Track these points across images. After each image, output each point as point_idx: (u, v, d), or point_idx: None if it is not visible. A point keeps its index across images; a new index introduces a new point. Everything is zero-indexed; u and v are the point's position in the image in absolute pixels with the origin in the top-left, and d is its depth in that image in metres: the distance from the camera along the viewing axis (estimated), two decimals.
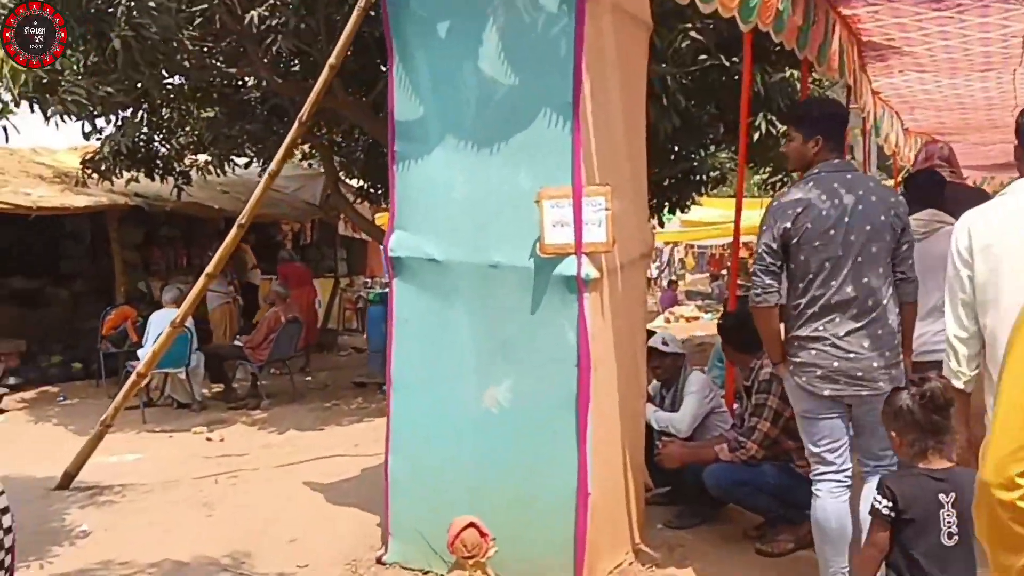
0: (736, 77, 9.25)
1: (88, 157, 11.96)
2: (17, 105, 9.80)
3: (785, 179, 12.18)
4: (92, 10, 8.12)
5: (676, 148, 11.35)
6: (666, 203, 12.58)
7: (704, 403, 6.10)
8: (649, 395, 6.22)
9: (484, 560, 4.64)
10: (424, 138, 5.14)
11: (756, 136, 9.36)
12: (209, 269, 6.90)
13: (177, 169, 12.40)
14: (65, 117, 9.95)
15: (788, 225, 4.29)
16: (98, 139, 11.22)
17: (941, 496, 3.38)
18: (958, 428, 3.64)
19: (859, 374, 4.27)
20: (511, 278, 4.89)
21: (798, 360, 4.37)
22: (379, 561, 5.29)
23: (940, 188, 5.69)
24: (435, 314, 5.15)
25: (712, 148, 12.32)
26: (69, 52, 9.40)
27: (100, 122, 10.87)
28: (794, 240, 4.29)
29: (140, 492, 7.04)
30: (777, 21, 5.26)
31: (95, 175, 11.94)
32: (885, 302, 4.33)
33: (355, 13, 5.72)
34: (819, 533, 4.40)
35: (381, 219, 13.89)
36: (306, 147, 14.75)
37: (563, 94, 4.68)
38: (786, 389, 4.58)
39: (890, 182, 12.59)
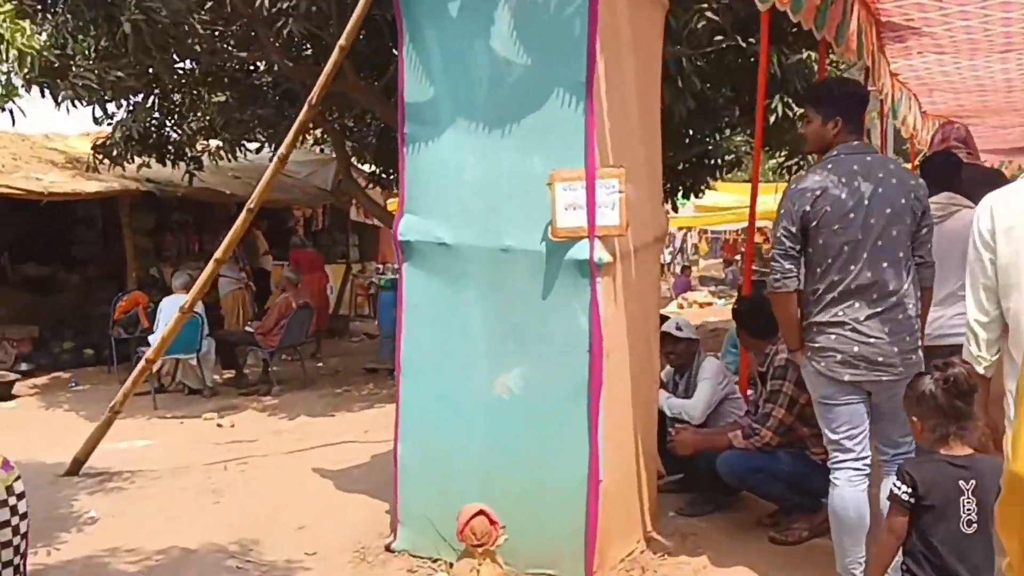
0: (752, 59, 9.16)
1: (99, 142, 11.92)
2: (27, 90, 9.80)
3: (801, 163, 12.08)
4: None
5: (691, 131, 11.24)
6: (680, 187, 12.47)
7: (718, 389, 6.04)
8: (662, 381, 6.15)
9: (494, 548, 4.58)
10: (435, 120, 5.06)
11: (772, 119, 9.24)
12: (218, 254, 6.84)
13: (188, 154, 12.34)
14: (76, 102, 9.94)
15: (807, 208, 4.21)
16: (109, 124, 11.20)
17: (961, 483, 3.35)
18: (977, 413, 3.57)
19: (879, 359, 4.20)
20: (523, 262, 4.81)
21: (817, 345, 4.29)
22: (388, 548, 5.25)
23: (957, 170, 5.60)
24: (445, 299, 5.08)
25: (727, 131, 12.19)
26: (80, 36, 9.38)
27: (111, 107, 10.85)
28: (813, 224, 4.21)
29: (149, 478, 7.00)
30: (795, 0, 5.15)
31: (106, 161, 11.90)
32: (905, 287, 4.26)
33: None
34: (836, 522, 4.32)
35: (393, 204, 13.80)
36: (318, 132, 14.72)
37: (577, 74, 4.59)
38: (803, 375, 4.49)
39: (907, 166, 12.46)
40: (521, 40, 4.74)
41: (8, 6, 5.90)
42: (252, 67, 11.52)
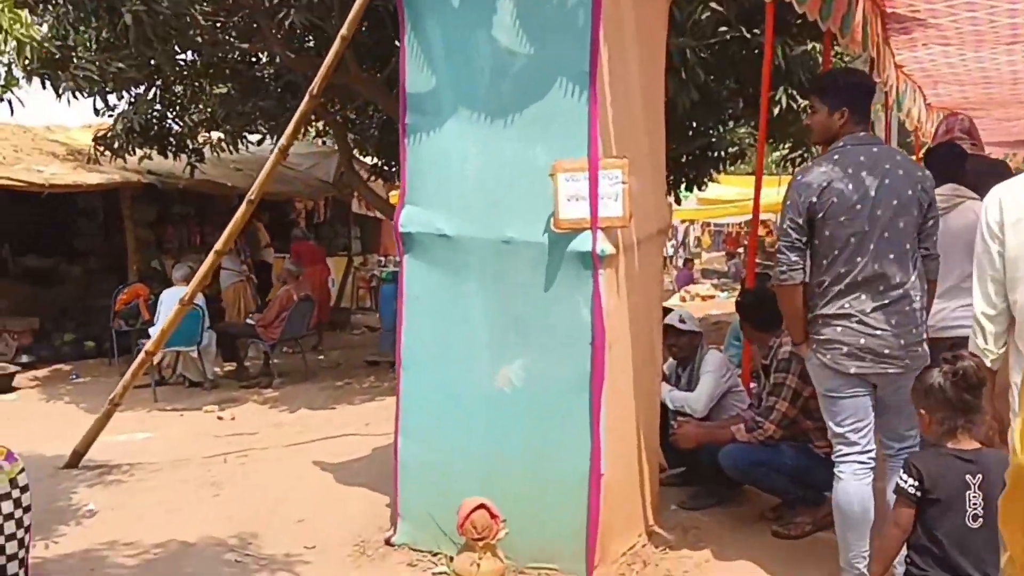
0: (756, 50, 9.11)
1: (100, 134, 11.89)
2: (28, 81, 9.77)
3: (805, 155, 12.02)
4: None
5: (694, 123, 11.18)
6: (683, 180, 12.42)
7: (721, 382, 6.02)
8: (664, 374, 6.12)
9: (494, 542, 4.56)
10: (436, 110, 5.00)
11: (776, 111, 9.19)
12: (218, 246, 6.80)
13: (190, 146, 12.31)
14: (77, 94, 9.91)
15: (814, 199, 4.17)
16: (110, 116, 11.18)
17: (968, 477, 3.33)
18: (985, 406, 3.53)
19: (885, 352, 4.16)
20: (525, 254, 4.76)
21: (823, 338, 4.25)
22: (388, 542, 5.21)
23: (961, 161, 5.56)
24: (446, 291, 5.03)
25: (731, 123, 12.14)
26: (81, 28, 9.35)
27: (112, 99, 10.83)
28: (820, 215, 4.17)
29: (148, 471, 6.96)
30: None
31: (107, 152, 11.86)
32: (912, 279, 4.22)
33: None
34: (841, 516, 4.29)
35: (395, 197, 13.78)
36: (320, 124, 14.67)
37: (580, 64, 4.53)
38: (808, 368, 4.45)
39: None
40: (524, 29, 4.68)
41: None
42: (254, 58, 11.48)
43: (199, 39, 9.80)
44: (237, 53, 10.85)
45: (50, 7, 9.42)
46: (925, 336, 4.32)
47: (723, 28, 8.65)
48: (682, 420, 5.86)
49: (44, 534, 5.40)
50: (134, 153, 11.93)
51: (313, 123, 14.37)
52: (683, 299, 19.73)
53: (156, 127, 11.69)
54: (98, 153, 12.09)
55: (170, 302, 9.44)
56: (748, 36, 8.86)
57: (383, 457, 6.19)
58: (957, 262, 4.84)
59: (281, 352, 12.29)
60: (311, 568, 5.04)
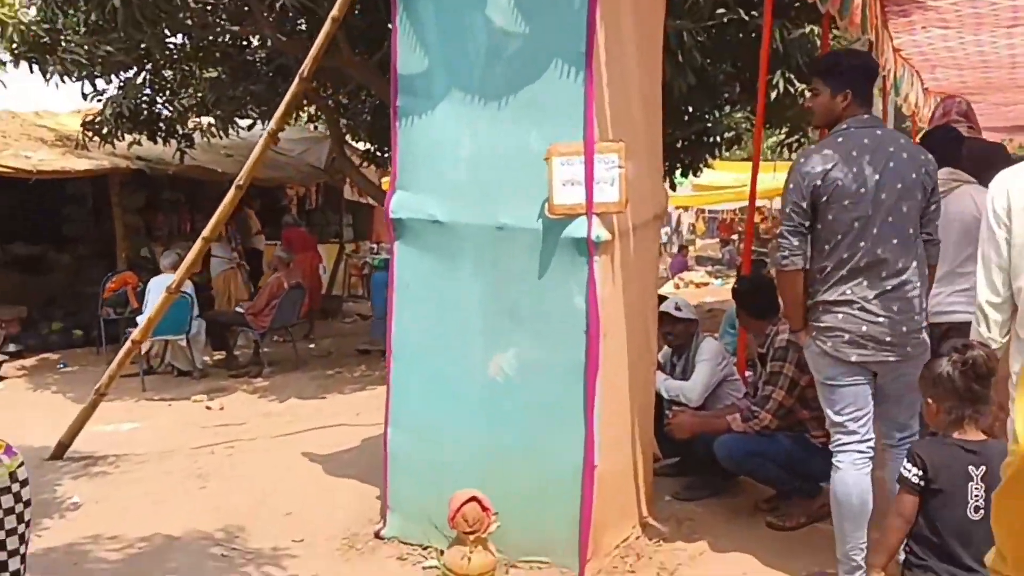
0: (754, 33, 9.02)
1: (89, 120, 11.76)
2: (16, 65, 9.66)
3: (802, 140, 11.93)
4: None
5: (690, 108, 11.08)
6: (678, 165, 12.32)
7: (717, 371, 5.95)
8: (659, 363, 6.03)
9: (486, 536, 4.49)
10: (428, 92, 4.89)
11: (773, 95, 9.09)
12: (206, 233, 6.69)
13: (180, 132, 12.19)
14: (65, 77, 9.80)
15: (818, 183, 4.07)
16: (99, 101, 11.05)
17: (971, 468, 3.31)
18: (993, 397, 3.50)
19: (887, 339, 4.09)
20: (518, 240, 4.66)
21: (823, 324, 4.17)
22: (377, 536, 5.13)
23: (957, 145, 5.48)
24: (438, 278, 4.93)
25: (727, 108, 12.04)
26: (69, 11, 9.23)
27: (101, 83, 10.70)
28: (823, 199, 4.08)
29: (134, 463, 6.86)
30: None
31: (96, 138, 11.74)
32: (914, 264, 4.15)
33: None
34: (838, 507, 4.21)
35: (388, 183, 13.70)
36: (311, 109, 14.56)
37: (576, 45, 4.42)
38: (807, 356, 4.36)
39: None
40: (519, 9, 4.57)
41: None
42: (245, 42, 11.36)
43: (189, 22, 9.69)
44: (228, 36, 10.72)
45: None
46: (926, 323, 4.25)
47: (721, 10, 8.55)
48: (677, 409, 5.77)
49: None
50: (123, 139, 11.81)
51: (305, 108, 14.27)
52: (677, 286, 19.70)
53: (145, 112, 11.55)
54: (86, 139, 11.97)
55: (158, 290, 9.34)
56: (746, 18, 8.75)
57: (373, 448, 6.10)
58: (953, 247, 4.82)
59: (271, 341, 12.21)
60: (299, 562, 4.95)
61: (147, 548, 5.15)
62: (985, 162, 5.68)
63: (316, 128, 16.34)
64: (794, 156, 13.61)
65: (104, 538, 5.27)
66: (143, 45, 9.78)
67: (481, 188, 4.75)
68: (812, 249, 4.17)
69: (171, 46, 10.79)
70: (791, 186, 4.15)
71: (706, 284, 20.49)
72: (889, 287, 4.08)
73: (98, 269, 13.15)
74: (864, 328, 4.08)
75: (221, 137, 12.27)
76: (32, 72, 9.73)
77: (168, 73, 11.65)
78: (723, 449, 5.30)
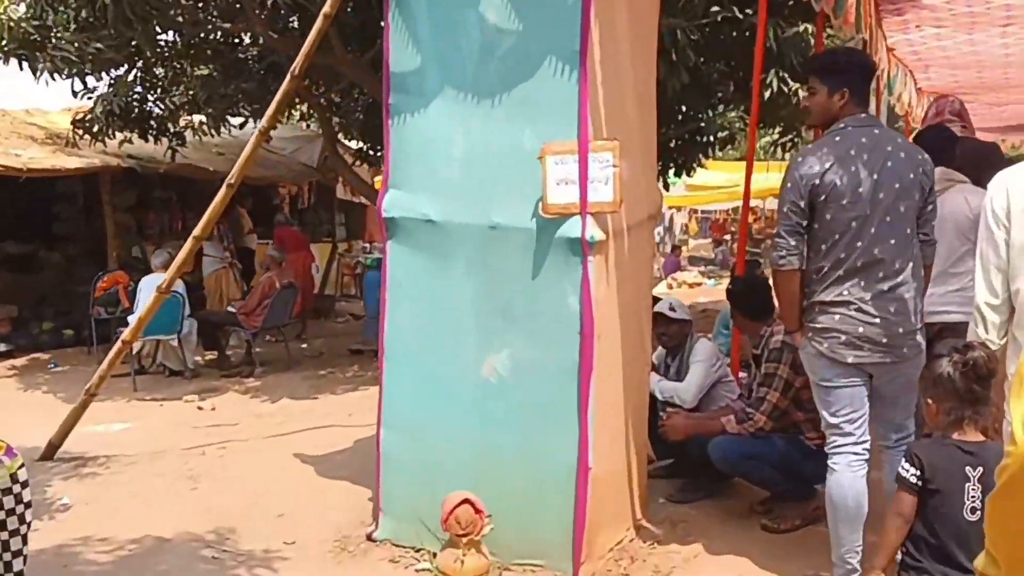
0: (747, 32, 8.99)
1: (79, 117, 11.69)
2: (5, 62, 9.61)
3: (795, 139, 11.91)
4: None
5: (683, 107, 11.04)
6: (671, 165, 12.28)
7: (711, 372, 5.91)
8: (653, 364, 6.00)
9: (479, 538, 4.46)
10: (421, 90, 4.84)
11: (767, 94, 9.05)
12: (197, 232, 6.64)
13: (171, 130, 12.12)
14: (55, 75, 9.74)
15: (816, 182, 4.05)
16: (89, 98, 10.99)
17: (968, 469, 3.32)
18: (994, 398, 3.48)
19: (884, 340, 4.07)
20: (512, 240, 4.62)
21: (820, 326, 4.14)
22: (369, 538, 5.08)
23: (951, 145, 5.47)
24: (431, 278, 4.89)
25: (721, 107, 12.01)
26: (59, 7, 9.17)
27: (92, 81, 10.64)
28: (821, 197, 4.05)
29: (125, 463, 6.80)
30: None
31: (86, 136, 11.67)
32: (911, 264, 4.13)
33: None
34: (834, 510, 4.19)
35: (380, 182, 13.66)
36: (304, 107, 14.51)
37: (570, 42, 4.38)
38: (802, 357, 4.34)
39: None
40: (512, 6, 4.52)
41: None
42: (236, 39, 11.30)
43: (180, 19, 9.65)
44: (219, 33, 10.68)
45: None
46: (922, 324, 4.23)
47: (715, 8, 8.51)
48: (671, 411, 5.75)
49: None
50: (114, 137, 11.73)
51: (297, 106, 14.22)
52: (670, 286, 19.69)
53: (136, 110, 11.48)
54: (77, 137, 11.91)
55: (149, 289, 9.27)
56: (740, 17, 8.71)
57: (366, 449, 6.06)
58: (946, 247, 4.82)
59: (263, 340, 12.14)
60: (290, 564, 4.91)
61: (137, 550, 5.10)
62: (979, 162, 5.67)
63: (308, 127, 16.28)
64: (788, 156, 13.62)
65: (94, 540, 5.22)
66: (134, 42, 9.73)
67: (474, 187, 4.71)
68: (808, 249, 4.15)
69: (162, 43, 10.74)
70: (788, 185, 4.12)
71: (699, 284, 20.49)
72: (886, 288, 4.05)
73: (89, 268, 13.06)
74: (861, 329, 4.05)
75: (213, 135, 12.20)
76: (22, 69, 9.67)
77: (159, 71, 11.60)
78: (717, 451, 5.26)
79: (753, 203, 17.59)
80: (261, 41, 10.34)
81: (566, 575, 4.58)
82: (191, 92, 11.57)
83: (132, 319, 9.02)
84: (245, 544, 5.17)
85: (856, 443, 4.18)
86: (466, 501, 4.44)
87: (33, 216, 13.82)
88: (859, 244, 4.04)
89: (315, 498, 5.89)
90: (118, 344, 7.07)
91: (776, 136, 12.46)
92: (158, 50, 10.70)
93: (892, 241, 4.06)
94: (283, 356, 11.55)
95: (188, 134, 12.41)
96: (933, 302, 4.87)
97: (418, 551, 4.88)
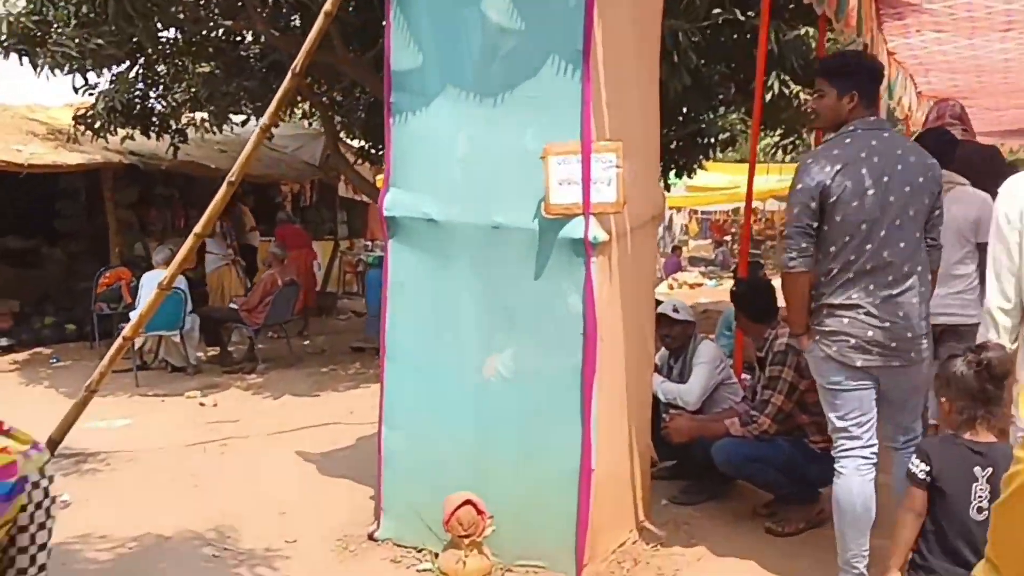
0: (749, 34, 8.99)
1: (81, 113, 11.68)
2: (5, 57, 9.59)
3: (796, 142, 11.90)
4: None
5: (685, 109, 11.03)
6: (672, 166, 12.28)
7: (714, 374, 5.88)
8: (656, 365, 5.98)
9: (480, 539, 4.44)
10: (422, 89, 4.82)
11: (768, 97, 9.06)
12: (198, 229, 6.59)
13: (173, 127, 12.11)
14: (55, 71, 9.72)
15: (827, 183, 4.03)
16: (90, 95, 10.98)
17: (977, 469, 3.36)
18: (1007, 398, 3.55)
19: (893, 344, 4.05)
20: (514, 240, 4.60)
21: (828, 329, 4.12)
22: (371, 537, 5.07)
23: (951, 148, 5.47)
24: (433, 278, 4.87)
25: (722, 109, 12.00)
26: (60, 3, 9.15)
27: (92, 77, 10.62)
28: (832, 199, 4.03)
29: (125, 460, 6.80)
30: None
31: (88, 132, 11.66)
32: (920, 268, 4.12)
33: None
34: (841, 514, 4.16)
35: (382, 181, 13.64)
36: (306, 106, 14.51)
37: (573, 42, 4.36)
38: (809, 360, 4.31)
39: None
40: (515, 5, 4.48)
41: None
42: (238, 37, 11.29)
43: (181, 16, 9.63)
44: (221, 31, 10.67)
45: None
46: (929, 329, 4.21)
47: (717, 10, 8.50)
48: (674, 413, 5.73)
49: None
50: (115, 133, 11.72)
51: (299, 104, 14.21)
52: (671, 287, 19.69)
53: (138, 106, 11.48)
54: (78, 133, 11.89)
55: (151, 285, 9.24)
56: (742, 19, 8.71)
57: (367, 447, 6.06)
58: (947, 249, 4.80)
59: (266, 337, 12.14)
60: (291, 563, 4.89)
61: (137, 548, 5.09)
62: (978, 165, 5.67)
63: (311, 125, 16.28)
64: (788, 158, 13.62)
65: (94, 537, 5.20)
66: (135, 39, 9.71)
67: (476, 187, 4.69)
68: (817, 251, 4.13)
69: (163, 40, 10.72)
70: (799, 187, 4.10)
71: (700, 285, 20.49)
72: (895, 292, 4.04)
73: (91, 264, 13.06)
74: (870, 333, 4.04)
75: (215, 133, 12.20)
76: (22, 65, 9.66)
77: (161, 68, 11.59)
78: (721, 454, 5.26)
79: (753, 204, 17.58)
80: (263, 39, 10.32)
81: None
82: (193, 89, 11.56)
83: (134, 315, 9.03)
84: (246, 543, 5.16)
85: (864, 447, 4.16)
86: (468, 502, 4.42)
87: (35, 212, 13.82)
88: (868, 247, 4.02)
89: (316, 496, 5.88)
90: (119, 340, 7.04)
91: (777, 138, 12.46)
92: (159, 47, 10.69)
93: (901, 245, 4.04)
94: (285, 353, 11.56)
95: (190, 131, 12.39)
96: (935, 304, 4.85)
97: (420, 551, 4.86)
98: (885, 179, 4.02)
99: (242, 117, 12.23)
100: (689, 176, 13.18)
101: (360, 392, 9.34)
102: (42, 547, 2.52)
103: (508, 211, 4.60)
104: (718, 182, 20.93)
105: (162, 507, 5.74)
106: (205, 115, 11.99)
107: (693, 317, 6.15)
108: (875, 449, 4.18)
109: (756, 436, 5.20)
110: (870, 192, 4.00)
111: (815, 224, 4.07)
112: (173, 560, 4.95)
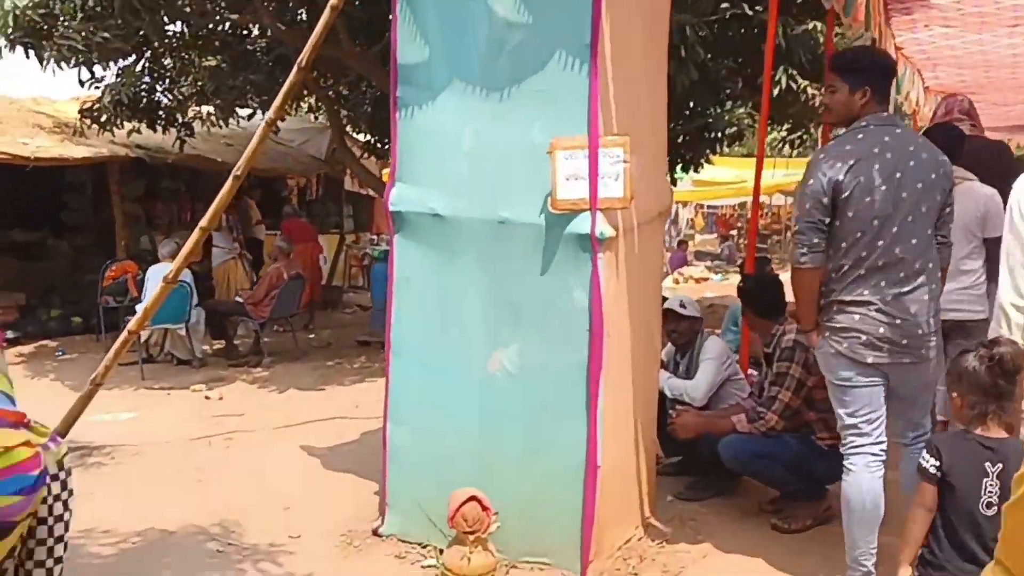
0: (756, 29, 8.95)
1: (87, 107, 11.67)
2: (12, 50, 9.57)
3: (803, 136, 11.86)
4: None
5: (692, 103, 10.99)
6: (679, 161, 12.25)
7: (721, 370, 5.86)
8: (662, 361, 5.94)
9: (485, 536, 4.41)
10: (429, 83, 4.79)
11: (776, 91, 9.02)
12: (203, 223, 6.60)
13: (180, 120, 12.11)
14: (61, 64, 9.70)
15: (840, 178, 3.99)
16: (96, 88, 10.97)
17: (987, 464, 3.36)
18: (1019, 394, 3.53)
19: (904, 341, 4.02)
20: (520, 236, 4.56)
21: (839, 325, 4.09)
22: (375, 533, 5.05)
23: (959, 143, 5.43)
24: (438, 273, 4.84)
25: (729, 104, 11.96)
26: None
27: (99, 70, 10.62)
28: (844, 195, 3.99)
29: (130, 454, 6.80)
30: None
31: (94, 125, 11.65)
32: (931, 265, 4.09)
33: None
34: (850, 511, 4.13)
35: (388, 175, 13.63)
36: (312, 100, 14.50)
37: (581, 36, 4.32)
38: (819, 356, 4.28)
39: None
40: None
41: None
42: (245, 31, 11.29)
43: (188, 9, 9.62)
44: (227, 25, 10.66)
45: None
46: (939, 326, 4.19)
47: (724, 5, 8.47)
48: (681, 409, 5.71)
49: None
50: (122, 126, 11.72)
51: (305, 98, 14.20)
52: (676, 281, 19.65)
53: (145, 100, 11.48)
54: (85, 126, 11.89)
55: (156, 279, 9.27)
56: (750, 13, 8.67)
57: (372, 441, 6.04)
58: (954, 245, 4.74)
59: (271, 331, 12.14)
60: (295, 559, 4.87)
61: (141, 543, 5.07)
62: (987, 161, 5.64)
63: (317, 119, 16.28)
64: (795, 153, 13.58)
65: (97, 532, 5.19)
66: (141, 32, 9.70)
67: (482, 182, 4.66)
68: (828, 247, 4.10)
69: (170, 34, 10.71)
70: (810, 181, 4.07)
71: (705, 279, 20.45)
72: (906, 288, 4.01)
73: (98, 257, 13.07)
74: (881, 330, 4.01)
75: (221, 126, 12.19)
76: (28, 58, 9.65)
77: (167, 61, 11.60)
78: (728, 450, 5.23)
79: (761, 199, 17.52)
80: (269, 33, 10.31)
81: (574, 573, 4.53)
82: (199, 83, 11.58)
83: (139, 308, 9.03)
84: (250, 538, 5.14)
85: (874, 443, 4.13)
86: (473, 498, 4.39)
87: (42, 205, 13.81)
88: (880, 243, 3.99)
89: (321, 491, 5.86)
90: (124, 334, 7.05)
91: (784, 133, 12.43)
92: (166, 40, 10.69)
93: (913, 241, 4.02)
94: (291, 346, 11.57)
95: (197, 125, 12.38)
96: (942, 300, 4.84)
97: (424, 547, 4.84)
98: (898, 175, 3.99)
99: (248, 111, 12.22)
100: (695, 170, 13.16)
101: (365, 386, 9.32)
102: (59, 539, 2.54)
103: (514, 206, 4.57)
104: (724, 176, 20.90)
105: (167, 501, 5.73)
106: (211, 109, 12.00)
107: (700, 313, 6.13)
108: (884, 446, 4.15)
109: (763, 433, 5.17)
110: (883, 188, 3.97)
111: (827, 220, 4.04)
112: (177, 555, 4.93)
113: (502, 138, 4.58)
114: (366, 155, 13.54)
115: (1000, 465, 3.32)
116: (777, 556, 4.80)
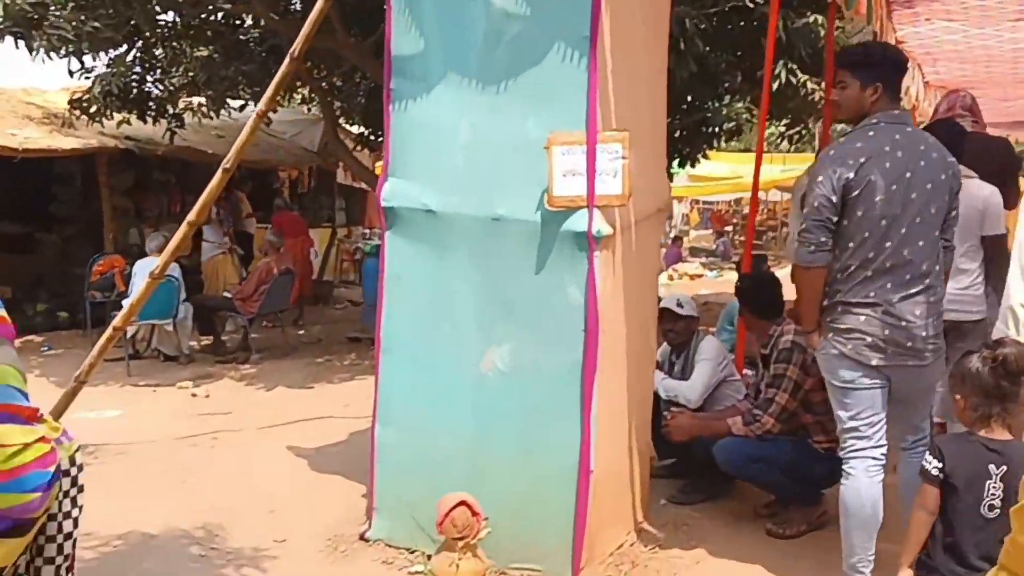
0: (756, 22, 8.86)
1: (76, 97, 11.54)
2: (1, 39, 9.44)
3: (802, 131, 11.79)
4: None
5: (690, 97, 10.90)
6: (676, 156, 12.15)
7: (717, 371, 5.77)
8: (657, 361, 5.83)
9: (475, 542, 4.29)
10: (423, 75, 4.67)
11: (775, 85, 8.92)
12: (191, 217, 6.45)
13: (170, 112, 11.99)
14: (51, 53, 9.58)
15: (850, 176, 3.90)
16: (86, 78, 10.85)
17: (991, 467, 3.35)
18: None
19: (908, 344, 3.95)
20: (515, 232, 4.45)
21: (843, 327, 4.01)
22: (362, 537, 4.92)
23: (960, 140, 5.34)
24: (431, 270, 4.72)
25: (727, 98, 11.86)
26: None
27: (89, 60, 10.50)
28: (854, 193, 3.90)
29: (114, 453, 6.67)
30: None
31: (84, 116, 11.53)
32: (937, 267, 4.02)
33: None
34: (848, 516, 4.06)
35: (381, 168, 13.55)
36: (305, 91, 14.39)
37: (580, 28, 4.20)
38: (820, 358, 4.19)
39: None
40: None
41: None
42: (237, 21, 11.18)
43: None
44: (220, 14, 10.57)
45: None
46: (941, 328, 4.11)
47: None
48: (675, 411, 5.59)
49: None
50: (112, 117, 11.59)
51: (298, 89, 14.10)
52: (671, 278, 19.58)
53: (135, 90, 11.35)
54: (74, 117, 11.75)
55: (143, 273, 9.19)
56: (750, 6, 8.57)
57: (361, 442, 5.93)
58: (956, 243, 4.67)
59: (260, 326, 12.02)
60: (279, 564, 4.75)
61: (122, 547, 4.95)
62: (991, 157, 5.55)
63: (309, 110, 16.17)
64: (792, 148, 13.50)
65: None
66: (132, 22, 9.59)
67: (477, 177, 4.54)
68: (834, 246, 4.01)
69: (161, 23, 10.61)
70: (820, 179, 3.97)
71: (700, 276, 20.41)
72: (913, 291, 3.94)
73: (86, 250, 12.92)
74: (887, 332, 3.93)
75: (212, 117, 12.08)
76: (18, 48, 9.53)
77: (158, 51, 11.50)
78: (723, 453, 5.13)
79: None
80: (262, 23, 10.21)
81: None
82: (191, 74, 11.47)
83: (126, 303, 8.90)
84: (234, 542, 5.02)
85: (874, 447, 4.05)
86: (463, 503, 4.28)
87: (30, 197, 13.65)
88: (888, 244, 3.91)
89: (307, 494, 5.76)
90: (108, 330, 6.92)
91: (783, 128, 12.35)
92: (157, 30, 10.59)
93: (921, 243, 3.94)
94: (280, 342, 11.46)
95: (187, 116, 12.27)
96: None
97: (412, 552, 4.73)
98: (908, 175, 3.91)
99: (240, 102, 12.10)
100: (692, 166, 13.08)
101: (356, 384, 9.21)
102: (68, 536, 2.55)
103: (509, 202, 4.46)
104: (721, 171, 20.83)
105: (150, 502, 5.62)
106: (203, 100, 11.90)
107: (697, 313, 6.02)
108: (884, 450, 4.08)
109: (759, 435, 5.07)
110: (893, 187, 3.89)
111: (835, 219, 3.95)
112: (159, 559, 4.81)
113: (498, 132, 4.47)
114: (359, 148, 13.45)
115: (1005, 467, 3.30)
116: (772, 562, 4.72)
